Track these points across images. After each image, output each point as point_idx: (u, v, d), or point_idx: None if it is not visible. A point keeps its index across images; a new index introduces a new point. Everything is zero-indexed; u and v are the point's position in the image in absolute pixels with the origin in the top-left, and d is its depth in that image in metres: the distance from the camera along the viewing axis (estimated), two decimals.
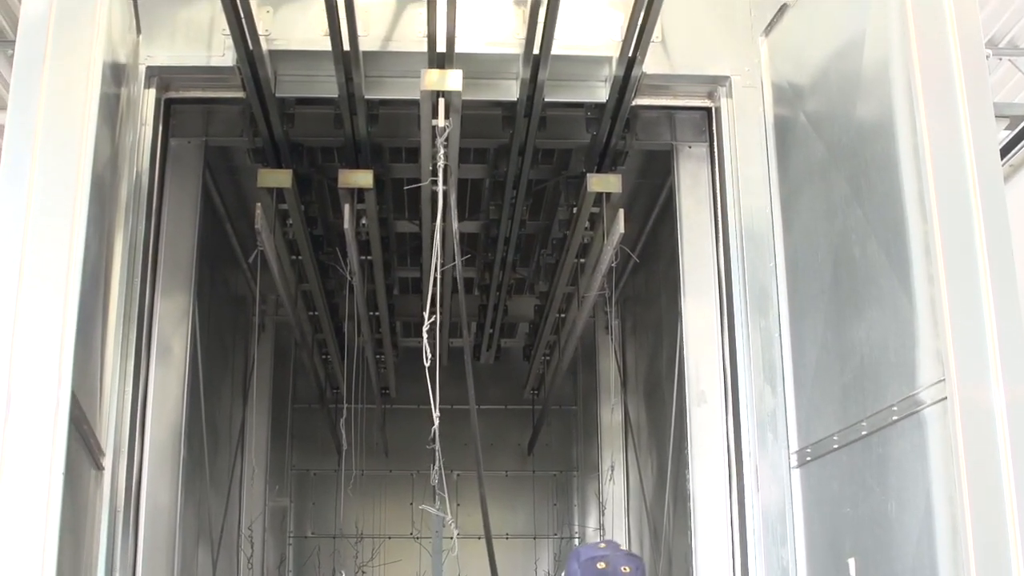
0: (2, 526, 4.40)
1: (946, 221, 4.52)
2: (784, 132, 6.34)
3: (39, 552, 4.38)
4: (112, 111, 5.91)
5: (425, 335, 5.77)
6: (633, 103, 6.87)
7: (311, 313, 10.26)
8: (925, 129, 4.68)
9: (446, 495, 5.83)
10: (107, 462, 5.95)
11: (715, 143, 6.86)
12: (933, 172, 4.59)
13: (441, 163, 6.20)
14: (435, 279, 6.16)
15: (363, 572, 12.14)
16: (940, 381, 4.44)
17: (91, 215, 5.05)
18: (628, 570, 3.23)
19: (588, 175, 7.60)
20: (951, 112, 4.66)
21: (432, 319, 5.85)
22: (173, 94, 6.80)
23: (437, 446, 5.77)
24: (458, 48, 6.21)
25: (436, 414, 5.71)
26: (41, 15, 4.97)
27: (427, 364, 5.64)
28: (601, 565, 3.20)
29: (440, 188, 6.27)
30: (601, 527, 12.26)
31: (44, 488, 4.45)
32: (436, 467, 5.75)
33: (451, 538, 5.95)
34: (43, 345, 4.60)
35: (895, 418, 4.79)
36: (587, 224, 8.23)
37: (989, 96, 4.76)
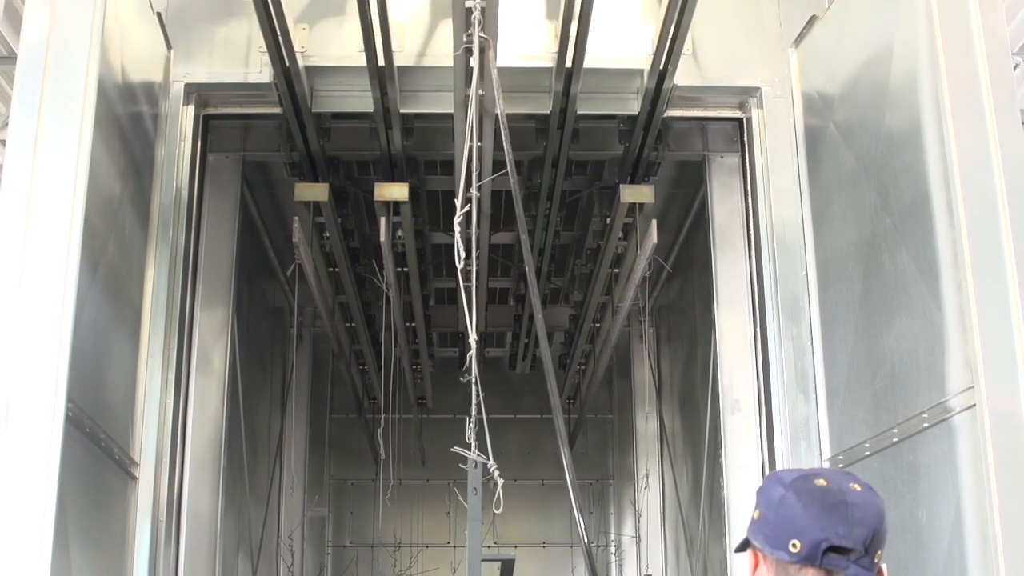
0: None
1: (974, 230, 4.56)
2: (814, 142, 6.39)
3: (36, 559, 4.47)
4: (138, 128, 6.04)
5: (457, 230, 5.30)
6: (665, 115, 6.94)
7: (348, 324, 10.36)
8: (953, 139, 4.73)
9: (487, 438, 5.12)
10: (145, 472, 6.06)
11: (746, 153, 6.91)
12: (961, 181, 4.64)
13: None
14: (469, 155, 5.59)
15: None
16: (969, 388, 4.49)
17: (100, 230, 5.21)
18: (859, 488, 2.62)
19: (621, 186, 7.68)
20: (978, 122, 4.71)
21: (466, 208, 5.43)
22: (211, 110, 6.92)
23: (475, 371, 5.32)
24: None
25: (473, 336, 5.32)
26: (40, 41, 5.09)
27: (459, 265, 5.22)
28: (821, 482, 2.60)
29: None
30: (637, 534, 12.32)
31: (41, 496, 4.53)
32: (475, 402, 5.25)
33: (489, 480, 5.08)
34: (40, 358, 4.68)
35: (925, 425, 4.84)
36: (620, 234, 8.30)
37: (1016, 105, 4.80)
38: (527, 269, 4.44)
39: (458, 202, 5.37)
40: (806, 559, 2.55)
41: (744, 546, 2.74)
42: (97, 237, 5.22)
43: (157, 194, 6.37)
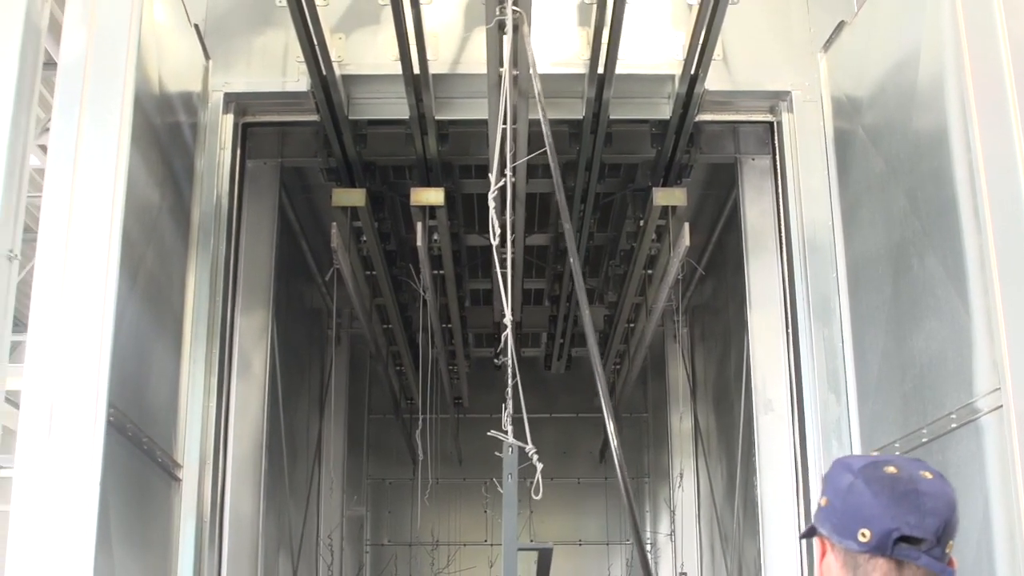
0: (43, 534, 4.64)
1: (1000, 234, 4.63)
2: (844, 146, 6.47)
3: (79, 560, 4.63)
4: (177, 138, 6.18)
5: (492, 205, 5.21)
6: (696, 119, 7.02)
7: (385, 326, 10.49)
8: (979, 143, 4.80)
9: (525, 421, 4.87)
10: (189, 474, 6.20)
11: (777, 156, 6.99)
12: (987, 186, 4.71)
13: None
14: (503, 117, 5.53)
15: None
16: (996, 390, 4.56)
17: (139, 240, 5.37)
18: (931, 476, 2.51)
19: (654, 189, 7.76)
20: (1004, 126, 4.77)
21: (500, 183, 5.33)
22: (250, 118, 7.05)
23: (511, 352, 5.14)
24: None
25: (508, 316, 5.14)
26: (78, 57, 5.24)
27: (495, 242, 5.12)
28: (891, 469, 2.49)
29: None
30: (673, 532, 12.40)
31: (83, 498, 4.70)
32: (510, 384, 5.13)
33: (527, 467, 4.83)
34: (81, 365, 4.85)
35: (953, 426, 4.91)
36: (654, 236, 8.38)
37: None
38: (571, 259, 4.20)
39: (492, 176, 5.35)
40: (876, 549, 2.46)
41: (810, 533, 2.67)
42: (136, 246, 5.36)
43: (197, 202, 6.51)
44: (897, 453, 5.52)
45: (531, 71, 5.48)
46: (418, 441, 8.68)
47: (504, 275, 5.42)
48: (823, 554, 2.58)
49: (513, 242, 5.91)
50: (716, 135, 7.70)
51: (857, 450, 6.13)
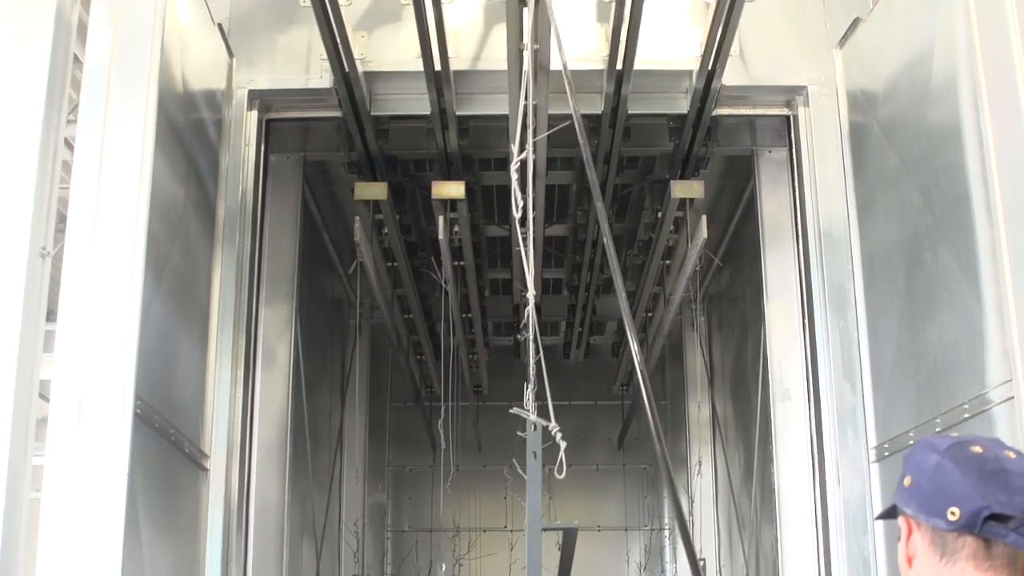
0: (73, 523, 4.80)
1: (1012, 228, 4.72)
2: (859, 141, 6.56)
3: (108, 549, 4.79)
4: (201, 135, 6.31)
5: (514, 176, 5.11)
6: (713, 113, 7.12)
7: (406, 316, 10.62)
8: (991, 139, 4.89)
9: (549, 399, 4.77)
10: (216, 464, 6.35)
11: (793, 149, 7.08)
12: (999, 180, 4.80)
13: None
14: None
15: (460, 564, 12.48)
16: (1007, 381, 4.66)
17: (164, 237, 5.52)
18: (1013, 455, 2.50)
19: (672, 182, 7.85)
20: (1016, 121, 4.85)
21: (522, 155, 5.20)
22: (273, 115, 7.17)
23: (533, 326, 5.04)
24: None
25: (531, 290, 5.05)
26: (103, 60, 5.39)
27: (516, 214, 5.04)
28: (977, 449, 2.49)
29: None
30: (691, 518, 12.51)
31: (111, 489, 4.86)
32: (532, 361, 5.02)
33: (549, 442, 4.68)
34: (108, 359, 5.01)
35: (966, 416, 5.01)
36: (672, 227, 8.48)
37: None
38: (603, 232, 3.83)
39: (514, 147, 5.26)
40: (965, 527, 2.44)
41: (890, 514, 2.65)
42: (161, 243, 5.50)
43: (222, 198, 6.64)
44: (911, 443, 5.63)
45: (554, 38, 5.47)
46: (440, 431, 8.80)
47: (525, 238, 5.28)
48: (909, 533, 2.55)
49: (534, 220, 5.89)
50: (733, 128, 7.79)
51: (872, 439, 6.23)
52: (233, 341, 6.54)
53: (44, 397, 5.02)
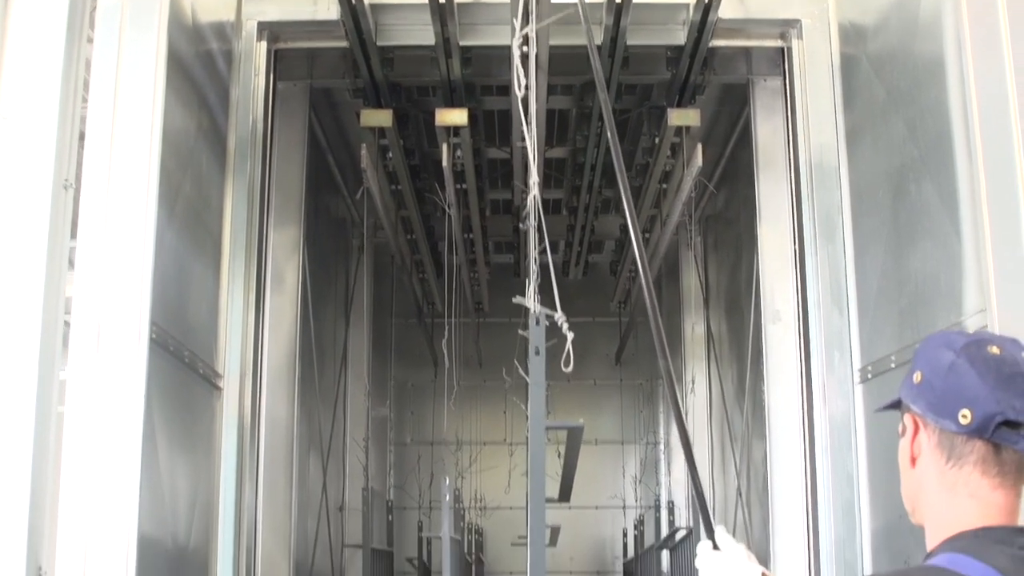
0: (94, 444, 5.08)
1: (991, 166, 4.92)
2: (849, 73, 6.75)
3: (127, 466, 5.09)
4: (211, 68, 6.52)
5: (516, 53, 5.06)
6: (710, 44, 7.31)
7: (409, 237, 10.86)
8: (972, 76, 5.09)
9: (554, 288, 4.57)
10: (230, 383, 6.64)
11: (787, 80, 7.27)
12: (979, 119, 5.01)
13: None
14: None
15: (462, 477, 12.81)
16: (982, 310, 4.91)
17: (176, 168, 5.76)
18: None
19: (669, 110, 8.07)
20: (996, 58, 5.05)
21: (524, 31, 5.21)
22: (282, 45, 7.36)
23: (536, 211, 4.90)
24: None
25: (534, 176, 4.92)
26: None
27: (519, 93, 4.96)
28: (994, 350, 2.36)
29: None
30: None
31: (129, 409, 5.15)
32: (535, 251, 4.83)
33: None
34: (124, 287, 5.26)
35: None
36: (668, 153, 8.70)
37: None
38: (610, 138, 3.68)
39: (517, 23, 5.27)
40: (976, 431, 2.34)
41: (894, 406, 2.55)
42: (174, 173, 5.74)
43: (233, 128, 6.86)
44: (893, 366, 5.91)
45: None
46: (445, 351, 9.07)
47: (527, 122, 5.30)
48: (915, 432, 2.45)
49: (536, 110, 5.88)
50: (729, 57, 7.96)
51: (857, 361, 6.50)
52: (245, 266, 6.79)
53: (68, 324, 5.30)
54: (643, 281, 3.33)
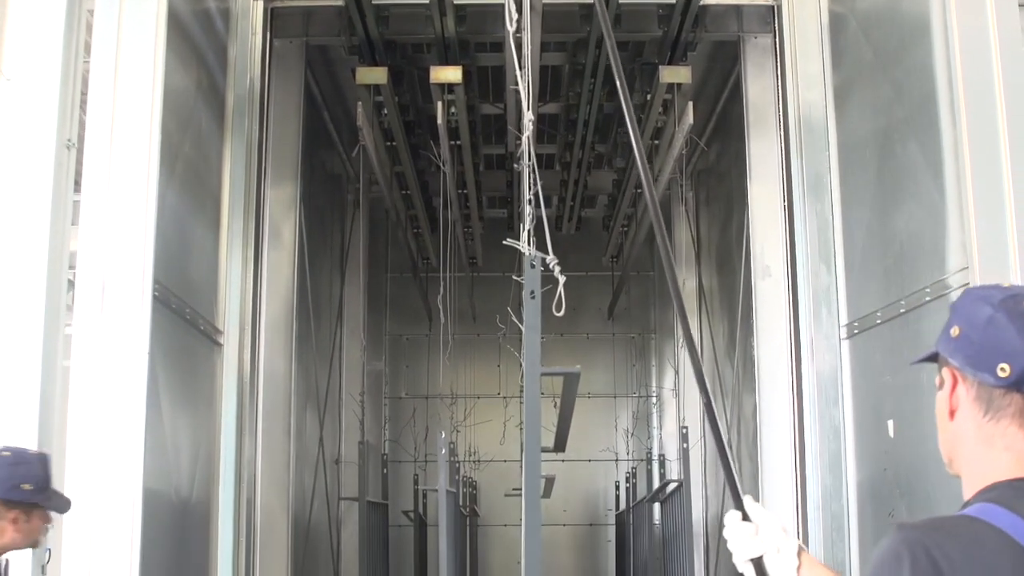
0: (101, 400, 5.26)
1: (974, 130, 5.08)
2: (838, 33, 6.86)
3: (132, 418, 5.26)
4: (210, 29, 6.62)
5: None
6: (701, 2, 7.40)
7: (404, 192, 10.96)
8: (956, 39, 5.21)
9: (547, 231, 4.57)
10: (230, 339, 6.78)
11: (777, 39, 7.38)
12: (963, 83, 5.15)
13: None
14: None
15: (457, 431, 12.93)
16: (964, 268, 5.06)
17: (176, 130, 5.89)
18: None
19: (660, 67, 8.16)
20: (980, 20, 5.18)
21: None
22: (278, 4, 7.46)
23: (529, 145, 4.83)
24: None
25: (527, 107, 4.85)
26: None
27: (511, 28, 4.91)
28: None
29: None
30: (676, 387, 13.00)
31: (133, 365, 5.31)
32: (529, 192, 4.77)
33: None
34: (127, 248, 5.41)
35: (927, 299, 5.42)
36: (660, 110, 8.79)
37: (1015, 8, 5.26)
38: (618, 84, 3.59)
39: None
40: (1014, 384, 2.33)
41: (931, 359, 2.51)
42: (174, 135, 5.87)
43: (231, 87, 6.97)
44: (878, 322, 6.05)
45: None
46: (441, 307, 9.18)
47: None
48: (953, 385, 2.41)
49: (531, 51, 5.79)
50: (720, 15, 8.05)
51: (844, 316, 6.65)
52: (243, 223, 6.93)
53: (74, 284, 5.44)
54: (669, 284, 3.32)
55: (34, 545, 4.39)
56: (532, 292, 4.16)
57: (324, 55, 9.26)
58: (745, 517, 2.83)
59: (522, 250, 4.39)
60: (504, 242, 4.71)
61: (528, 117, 4.86)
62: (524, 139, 4.92)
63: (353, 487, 10.31)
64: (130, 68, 5.50)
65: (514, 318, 4.66)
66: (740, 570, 2.84)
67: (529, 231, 4.69)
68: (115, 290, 5.33)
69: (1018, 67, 5.11)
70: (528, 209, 4.85)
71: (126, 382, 5.25)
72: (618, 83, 3.21)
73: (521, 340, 4.30)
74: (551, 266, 4.25)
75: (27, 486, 4.22)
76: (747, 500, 2.84)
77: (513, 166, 9.01)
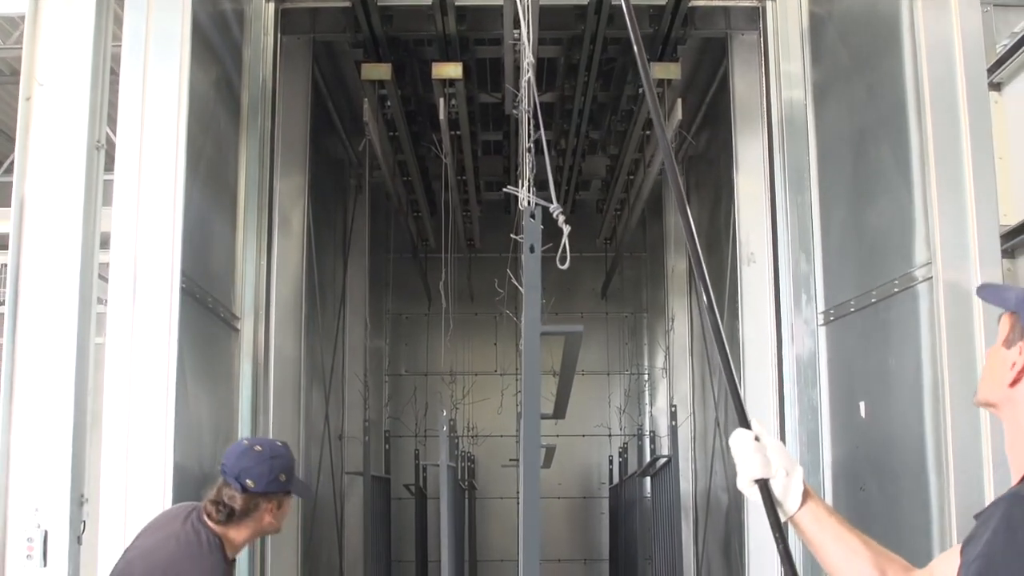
0: (134, 386, 5.66)
1: (938, 133, 5.47)
2: (817, 34, 7.24)
3: (163, 400, 5.66)
4: (226, 32, 6.99)
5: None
6: (690, 4, 7.79)
7: (405, 179, 11.35)
8: (924, 52, 5.61)
9: (549, 175, 4.30)
10: (246, 324, 7.21)
11: (762, 38, 7.77)
12: (929, 90, 5.55)
13: None
14: None
15: (456, 408, 13.32)
16: (928, 263, 5.48)
17: (199, 132, 6.25)
18: None
19: (651, 63, 8.54)
20: (945, 30, 5.57)
21: None
22: (288, 5, 7.85)
23: (529, 90, 4.73)
24: None
25: (528, 54, 4.79)
26: None
27: None
28: None
29: None
30: (667, 366, 13.40)
31: (164, 352, 5.70)
32: (528, 141, 4.68)
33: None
34: (158, 244, 5.79)
35: (896, 290, 5.84)
36: None
37: (979, 18, 5.64)
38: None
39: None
40: None
41: (1003, 306, 2.63)
42: (197, 138, 6.24)
43: (246, 86, 7.36)
44: (852, 310, 6.47)
45: None
46: (442, 291, 9.55)
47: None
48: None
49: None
50: (708, 13, 8.41)
51: (821, 304, 7.06)
52: (257, 215, 7.33)
53: (103, 278, 5.85)
54: (713, 333, 3.33)
55: (279, 530, 4.86)
56: (532, 246, 3.78)
57: (328, 47, 9.63)
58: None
59: (520, 197, 4.15)
60: (505, 189, 4.61)
61: (528, 60, 4.73)
62: (524, 82, 4.73)
63: (357, 462, 10.71)
64: (158, 77, 5.88)
65: (513, 280, 4.30)
66: (741, 490, 2.91)
67: (529, 179, 4.49)
68: (146, 285, 5.72)
69: (979, 79, 5.51)
70: (528, 158, 4.67)
71: (158, 369, 5.65)
72: (640, 67, 3.27)
73: (519, 307, 4.06)
74: (555, 215, 3.87)
75: (283, 477, 4.67)
76: (755, 422, 2.92)
77: (511, 111, 9.16)
